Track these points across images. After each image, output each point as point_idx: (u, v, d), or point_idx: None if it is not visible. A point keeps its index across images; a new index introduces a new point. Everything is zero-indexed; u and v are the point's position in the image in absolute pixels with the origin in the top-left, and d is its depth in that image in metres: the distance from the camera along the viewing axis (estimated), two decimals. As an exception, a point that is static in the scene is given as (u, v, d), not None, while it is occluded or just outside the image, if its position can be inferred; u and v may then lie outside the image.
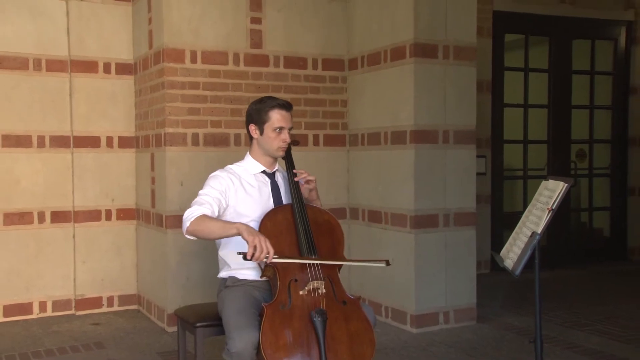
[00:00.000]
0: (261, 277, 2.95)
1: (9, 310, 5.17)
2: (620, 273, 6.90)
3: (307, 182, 3.14)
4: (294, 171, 3.11)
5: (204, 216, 2.87)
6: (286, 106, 3.10)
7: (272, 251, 2.71)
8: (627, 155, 7.51)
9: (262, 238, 2.71)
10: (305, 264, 2.85)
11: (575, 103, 7.27)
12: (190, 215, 2.88)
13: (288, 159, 3.15)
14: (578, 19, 7.11)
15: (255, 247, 2.69)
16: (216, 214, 2.96)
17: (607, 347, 4.35)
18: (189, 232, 2.89)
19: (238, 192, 3.06)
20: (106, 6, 5.38)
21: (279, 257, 2.79)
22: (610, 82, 7.50)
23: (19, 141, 5.18)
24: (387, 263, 2.95)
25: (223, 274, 3.15)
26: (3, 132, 5.13)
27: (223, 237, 2.93)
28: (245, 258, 2.72)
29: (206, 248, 4.42)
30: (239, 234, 2.77)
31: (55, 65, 5.26)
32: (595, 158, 7.50)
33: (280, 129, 3.07)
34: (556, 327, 4.79)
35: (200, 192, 3.03)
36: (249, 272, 3.04)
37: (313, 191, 3.18)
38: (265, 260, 2.72)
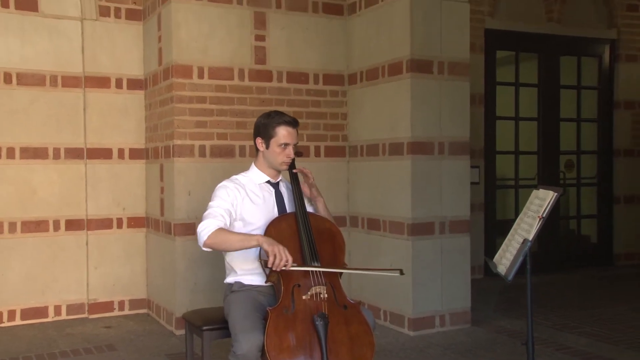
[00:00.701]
0: (266, 282, 2.94)
1: (25, 313, 5.15)
2: (607, 278, 6.87)
3: (305, 176, 3.13)
4: (294, 170, 3.11)
5: (221, 229, 2.84)
6: (292, 123, 3.08)
7: (290, 259, 2.71)
8: (613, 166, 7.49)
9: (282, 247, 2.72)
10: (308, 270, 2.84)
11: (563, 116, 7.26)
12: (205, 229, 2.84)
13: (291, 170, 3.13)
14: (565, 37, 7.12)
15: (275, 256, 2.69)
16: (228, 225, 2.94)
17: (595, 349, 4.32)
18: (207, 245, 2.85)
19: (244, 201, 3.04)
20: (119, 25, 5.39)
21: (297, 266, 2.79)
22: (595, 96, 7.49)
23: (36, 153, 5.18)
24: (401, 272, 2.92)
25: (229, 279, 3.12)
26: (21, 145, 5.13)
27: (242, 249, 2.89)
28: (266, 265, 2.73)
29: (213, 255, 4.39)
30: (259, 246, 2.78)
31: (70, 81, 5.27)
32: (582, 168, 7.49)
33: (286, 145, 3.05)
34: (547, 330, 4.76)
35: (211, 203, 2.99)
36: (254, 278, 3.02)
37: (313, 188, 3.16)
38: (284, 267, 2.71)
